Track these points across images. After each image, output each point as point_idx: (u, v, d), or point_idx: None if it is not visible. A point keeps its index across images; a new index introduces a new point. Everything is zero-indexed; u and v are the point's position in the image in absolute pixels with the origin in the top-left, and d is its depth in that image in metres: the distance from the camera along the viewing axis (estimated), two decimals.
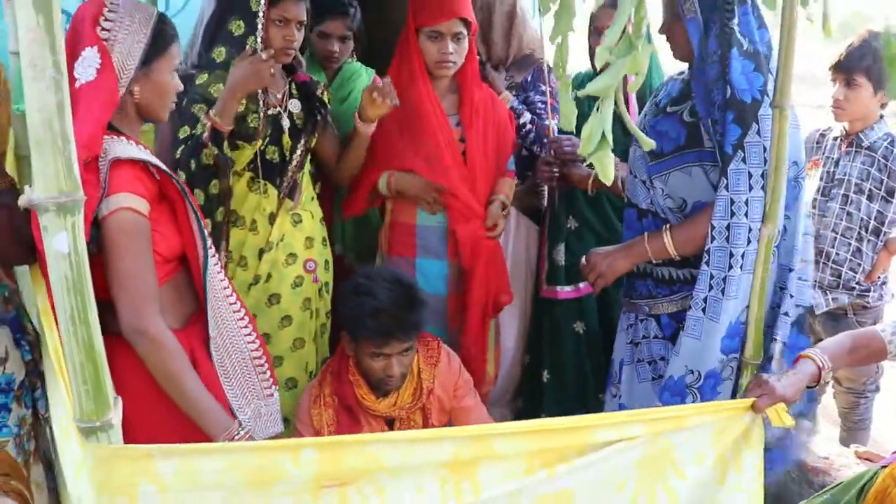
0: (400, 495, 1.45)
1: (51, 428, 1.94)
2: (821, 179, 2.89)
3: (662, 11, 2.12)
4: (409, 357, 2.18)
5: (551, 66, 2.66)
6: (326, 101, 2.60)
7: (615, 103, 1.09)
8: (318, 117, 2.54)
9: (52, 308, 1.71)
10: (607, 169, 1.09)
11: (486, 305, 2.62)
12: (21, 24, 1.09)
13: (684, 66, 2.16)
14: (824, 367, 1.82)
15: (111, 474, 1.31)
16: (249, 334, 1.95)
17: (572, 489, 1.56)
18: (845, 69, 2.69)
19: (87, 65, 1.64)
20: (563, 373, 2.88)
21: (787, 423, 1.73)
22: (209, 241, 1.82)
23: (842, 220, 2.82)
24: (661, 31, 2.13)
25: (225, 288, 1.90)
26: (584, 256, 2.23)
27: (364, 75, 3.01)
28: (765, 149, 1.92)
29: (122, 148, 1.69)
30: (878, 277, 2.84)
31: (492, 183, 2.64)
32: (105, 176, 1.62)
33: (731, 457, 1.72)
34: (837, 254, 2.84)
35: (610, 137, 1.08)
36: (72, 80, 1.59)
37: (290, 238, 2.48)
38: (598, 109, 1.09)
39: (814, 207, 2.91)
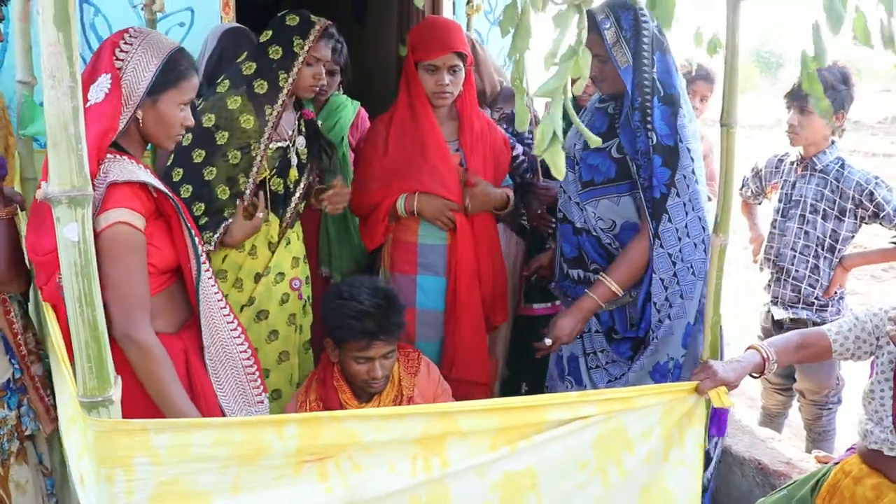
0: (375, 471, 1.57)
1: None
2: (780, 201, 3.07)
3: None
4: (390, 361, 2.31)
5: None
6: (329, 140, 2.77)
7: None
8: (324, 156, 2.70)
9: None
10: (559, 163, 1.24)
11: (479, 319, 2.76)
12: (43, 39, 1.25)
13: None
14: (769, 357, 1.97)
15: (110, 447, 1.42)
16: (241, 343, 2.05)
17: (535, 467, 1.69)
18: (798, 97, 2.89)
19: (100, 89, 1.76)
20: (542, 386, 3.01)
21: (727, 403, 1.88)
22: (203, 256, 1.92)
23: (800, 238, 2.99)
24: (591, 73, 2.35)
25: (219, 300, 2.00)
26: (548, 332, 2.34)
27: (349, 106, 3.20)
28: (685, 177, 2.20)
29: (120, 169, 1.78)
30: (836, 293, 3.00)
31: None
32: (101, 195, 1.71)
33: (676, 434, 1.87)
34: (797, 271, 3.00)
35: (561, 135, 1.23)
36: (85, 100, 1.72)
37: (280, 258, 2.61)
38: (548, 111, 1.26)
39: (774, 227, 3.09)
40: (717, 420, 2.19)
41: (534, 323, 3.00)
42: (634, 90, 2.20)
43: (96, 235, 1.68)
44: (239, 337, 2.04)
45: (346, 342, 2.25)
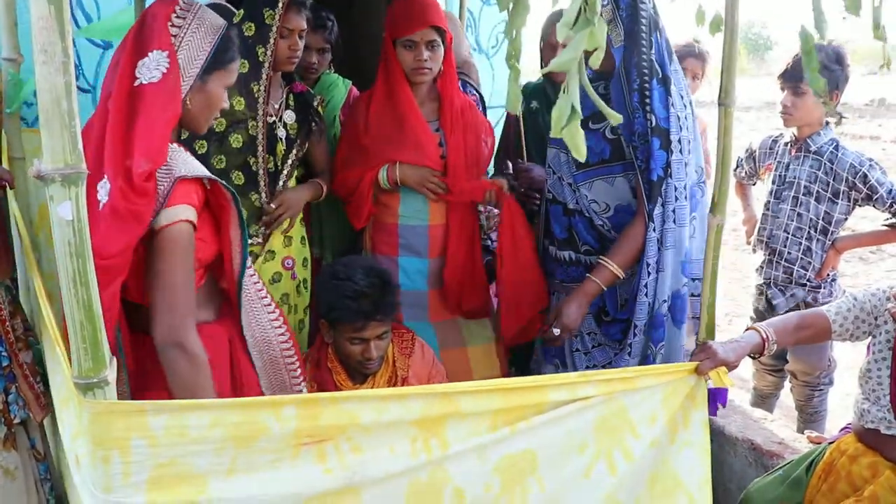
0: (374, 453, 1.57)
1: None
2: (773, 183, 3.07)
3: None
4: (385, 341, 2.31)
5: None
6: (321, 112, 2.73)
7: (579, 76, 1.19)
8: (314, 127, 2.67)
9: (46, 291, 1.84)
10: (578, 142, 1.16)
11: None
12: (34, 12, 1.22)
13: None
14: (768, 338, 1.97)
15: (106, 429, 1.40)
16: (283, 334, 1.98)
17: (535, 450, 1.69)
18: (792, 78, 2.89)
19: (154, 66, 1.63)
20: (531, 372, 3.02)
21: (728, 383, 1.88)
22: (248, 250, 1.84)
23: (792, 220, 3.00)
24: None
25: (260, 290, 1.94)
26: (553, 321, 2.32)
27: (341, 85, 3.17)
28: (684, 163, 2.21)
29: (184, 162, 1.69)
30: (828, 275, 3.02)
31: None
32: (168, 190, 1.61)
33: (681, 416, 1.87)
34: (789, 252, 3.02)
35: (580, 110, 1.16)
36: (131, 76, 1.63)
37: (271, 237, 2.60)
38: (564, 89, 1.20)
39: (767, 209, 3.10)
40: (713, 400, 2.20)
41: None
42: (632, 70, 2.19)
43: (157, 231, 1.62)
44: (281, 327, 1.98)
45: (341, 323, 2.24)
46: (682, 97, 2.25)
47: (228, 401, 1.52)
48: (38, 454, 2.29)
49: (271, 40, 2.43)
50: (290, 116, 2.60)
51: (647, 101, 2.18)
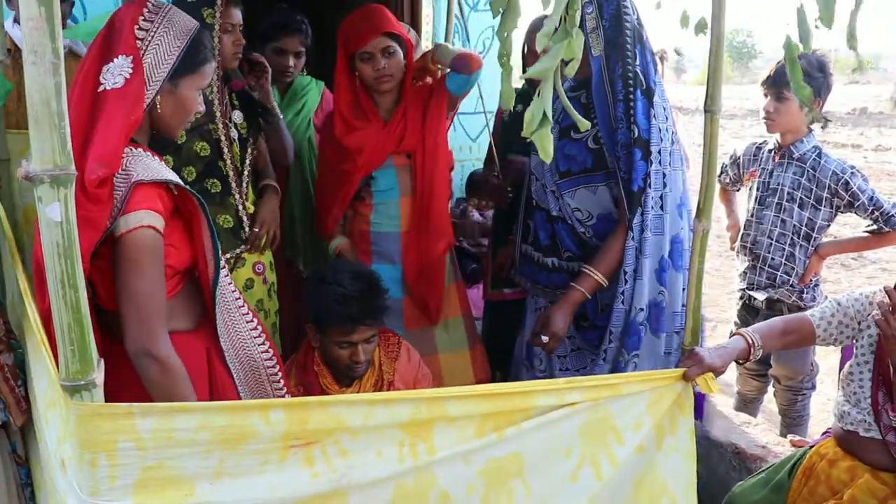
0: (362, 457, 1.57)
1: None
2: (757, 189, 3.11)
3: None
4: (372, 345, 2.32)
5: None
6: (275, 109, 2.72)
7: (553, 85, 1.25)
8: (261, 120, 2.64)
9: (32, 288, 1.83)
10: (547, 146, 1.24)
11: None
12: (24, 13, 1.22)
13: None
14: (754, 343, 2.00)
15: (93, 431, 1.40)
16: (263, 343, 1.96)
17: (522, 454, 1.70)
18: (775, 84, 2.92)
19: (118, 72, 1.61)
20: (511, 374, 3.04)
21: (715, 389, 1.90)
22: (221, 255, 1.82)
23: (776, 226, 3.03)
24: None
25: (237, 298, 1.90)
26: (540, 329, 2.35)
27: (314, 88, 3.18)
28: (662, 174, 2.25)
29: (144, 166, 1.66)
30: (811, 280, 3.05)
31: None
32: (126, 195, 1.59)
33: (668, 423, 1.89)
34: (773, 258, 3.05)
35: (551, 116, 1.23)
36: (95, 81, 1.62)
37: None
38: (538, 94, 1.25)
39: (751, 215, 3.13)
40: (697, 405, 2.23)
41: (506, 308, 3.02)
42: (617, 81, 2.22)
43: (118, 238, 1.60)
44: (260, 336, 1.95)
45: (329, 327, 2.24)
46: (664, 108, 2.29)
47: (216, 403, 1.51)
48: (19, 458, 2.26)
49: (215, 39, 2.40)
50: (238, 116, 2.56)
51: (632, 112, 2.21)
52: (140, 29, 1.66)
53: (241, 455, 1.50)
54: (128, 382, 1.65)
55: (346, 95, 2.66)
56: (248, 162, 2.58)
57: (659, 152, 2.24)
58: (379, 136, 2.67)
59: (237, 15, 2.49)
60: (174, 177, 1.71)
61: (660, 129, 2.25)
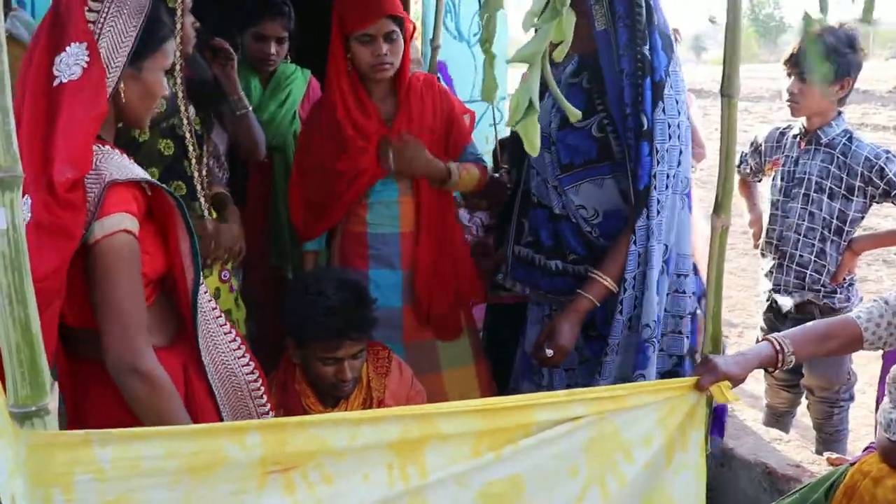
0: (347, 482, 1.58)
1: None
2: (782, 179, 3.11)
3: None
4: (360, 361, 2.33)
5: None
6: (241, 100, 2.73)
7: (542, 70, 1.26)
8: (212, 113, 2.64)
9: None
10: (533, 138, 1.25)
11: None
12: None
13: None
14: (783, 350, 1.99)
15: (46, 463, 1.40)
16: (243, 356, 1.97)
17: (523, 474, 1.72)
18: (799, 63, 2.93)
19: (73, 62, 1.61)
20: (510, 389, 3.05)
21: (731, 399, 1.91)
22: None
23: (804, 220, 3.04)
24: None
25: (214, 309, 1.92)
26: (545, 341, 2.35)
27: (300, 77, 3.20)
28: (667, 175, 2.25)
29: (116, 165, 1.67)
30: (844, 279, 3.06)
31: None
32: (99, 198, 1.60)
33: (678, 437, 1.90)
34: (801, 256, 3.06)
35: (537, 104, 1.24)
36: (48, 75, 1.61)
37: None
38: (524, 80, 1.27)
39: (775, 208, 3.14)
40: (717, 420, 2.24)
41: (505, 312, 3.04)
42: (625, 60, 2.21)
43: (92, 245, 1.61)
44: (240, 349, 1.97)
45: (312, 342, 2.25)
46: (676, 102, 2.27)
47: (185, 428, 1.53)
48: None
49: (178, 25, 2.37)
50: (191, 111, 2.54)
51: (640, 99, 2.20)
52: (90, 11, 1.65)
53: (213, 483, 1.50)
54: (102, 405, 1.67)
55: (343, 82, 2.65)
56: (204, 161, 2.58)
57: (667, 150, 2.24)
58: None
59: None
60: (148, 175, 1.72)
61: (668, 126, 2.24)
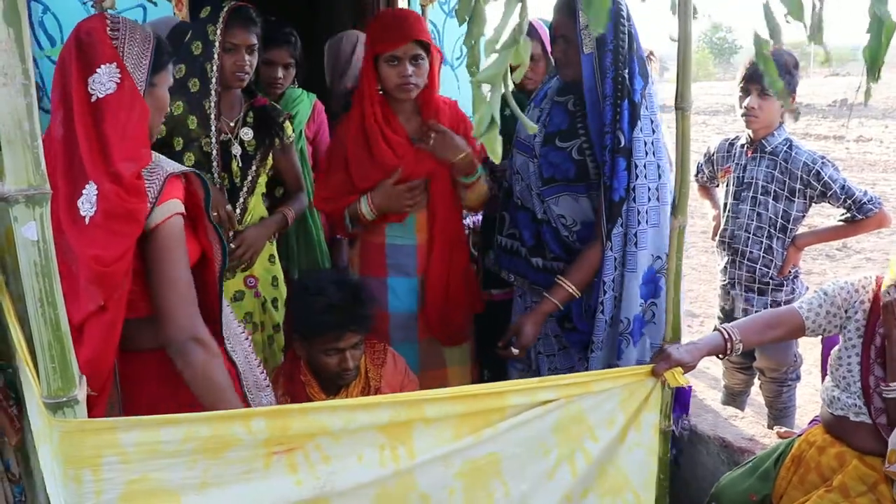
0: (343, 462, 1.60)
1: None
2: (732, 184, 3.15)
3: (556, 30, 2.35)
4: (359, 351, 2.35)
5: None
6: (288, 128, 2.75)
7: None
8: (277, 142, 2.69)
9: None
10: (495, 148, 1.28)
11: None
12: None
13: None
14: (731, 338, 2.02)
15: (76, 447, 1.42)
16: (251, 345, 2.03)
17: (499, 453, 1.74)
18: (758, 79, 2.92)
19: (107, 80, 1.66)
20: (502, 372, 3.06)
21: (682, 382, 1.94)
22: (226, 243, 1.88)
23: (752, 220, 3.08)
24: (555, 53, 2.38)
25: (226, 304, 1.94)
26: (512, 336, 2.39)
27: (306, 100, 3.21)
28: (647, 188, 2.26)
29: (166, 160, 1.75)
30: (790, 272, 3.10)
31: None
32: (161, 187, 1.66)
33: (633, 418, 1.93)
34: (751, 252, 3.09)
35: (498, 120, 1.26)
36: (85, 93, 1.65)
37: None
38: (486, 98, 1.29)
39: (728, 210, 3.18)
40: (680, 399, 2.26)
41: (494, 309, 3.05)
42: (611, 84, 2.21)
43: (153, 229, 1.65)
44: (248, 339, 2.02)
45: (316, 336, 2.27)
46: (651, 121, 2.27)
47: (199, 415, 1.54)
48: (13, 476, 2.27)
49: (215, 56, 2.46)
50: (246, 133, 2.61)
51: (618, 119, 2.21)
52: (113, 39, 1.71)
53: (224, 464, 1.52)
54: (142, 391, 1.68)
55: (374, 98, 2.60)
56: (249, 179, 2.62)
57: (644, 166, 2.24)
58: (415, 156, 2.64)
59: (244, 36, 2.51)
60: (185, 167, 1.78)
61: (644, 143, 2.24)
